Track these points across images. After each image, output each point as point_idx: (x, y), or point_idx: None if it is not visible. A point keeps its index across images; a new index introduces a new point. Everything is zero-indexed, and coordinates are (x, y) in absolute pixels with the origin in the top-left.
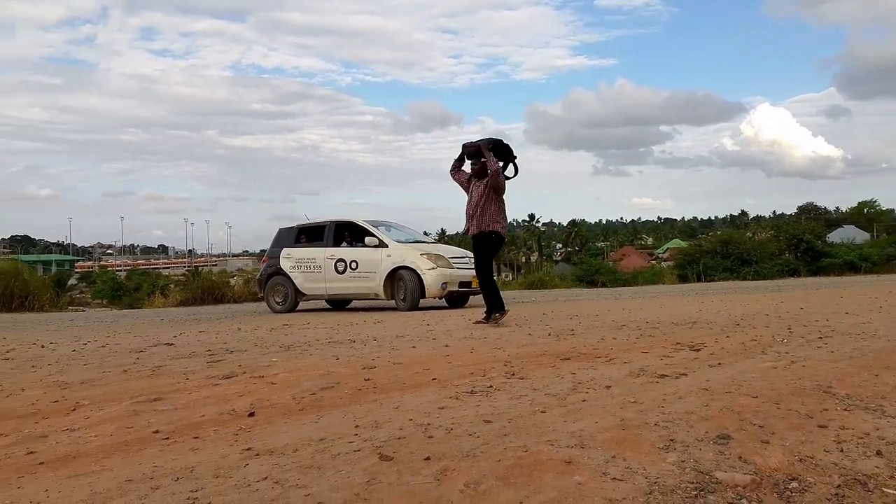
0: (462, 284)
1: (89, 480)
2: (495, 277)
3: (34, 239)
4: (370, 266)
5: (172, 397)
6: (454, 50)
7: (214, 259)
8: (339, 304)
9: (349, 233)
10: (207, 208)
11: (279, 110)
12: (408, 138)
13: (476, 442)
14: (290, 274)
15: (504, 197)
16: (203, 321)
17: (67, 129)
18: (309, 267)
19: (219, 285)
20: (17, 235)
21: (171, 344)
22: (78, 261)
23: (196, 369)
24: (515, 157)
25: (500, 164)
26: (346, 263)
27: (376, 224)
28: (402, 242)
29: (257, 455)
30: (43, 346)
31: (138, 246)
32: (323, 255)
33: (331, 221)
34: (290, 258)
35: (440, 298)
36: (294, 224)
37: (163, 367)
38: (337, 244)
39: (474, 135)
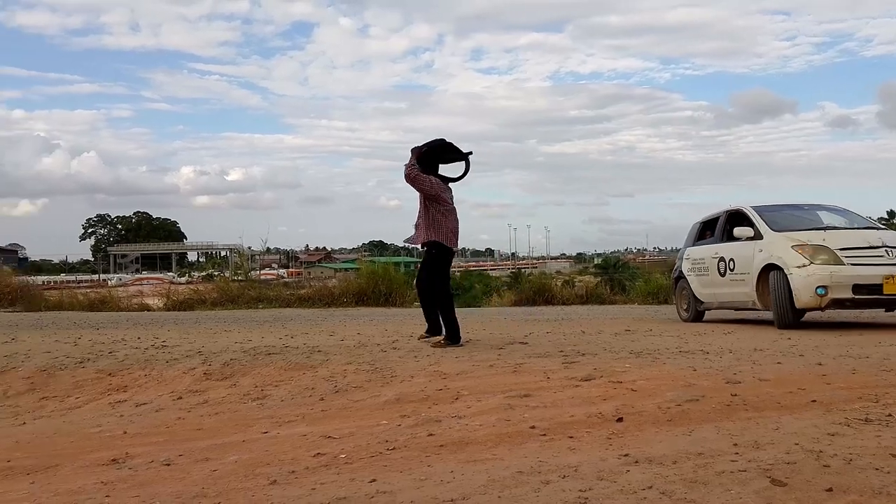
0: (859, 289)
1: (485, 467)
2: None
3: (386, 243)
4: (744, 265)
5: (539, 395)
6: (786, 32)
7: (535, 262)
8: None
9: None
10: (528, 213)
11: (595, 114)
12: (732, 131)
13: (887, 479)
14: (687, 277)
15: (452, 205)
16: (542, 321)
17: (410, 147)
18: (700, 268)
19: (548, 287)
20: (373, 240)
21: (525, 343)
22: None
23: (554, 369)
24: (469, 153)
25: (418, 166)
26: (725, 263)
27: (770, 209)
28: (784, 231)
29: (636, 462)
30: (419, 339)
31: (469, 249)
32: (710, 253)
33: (724, 212)
34: (689, 259)
35: (822, 310)
36: (700, 219)
37: (524, 365)
38: (730, 239)
39: (813, 122)
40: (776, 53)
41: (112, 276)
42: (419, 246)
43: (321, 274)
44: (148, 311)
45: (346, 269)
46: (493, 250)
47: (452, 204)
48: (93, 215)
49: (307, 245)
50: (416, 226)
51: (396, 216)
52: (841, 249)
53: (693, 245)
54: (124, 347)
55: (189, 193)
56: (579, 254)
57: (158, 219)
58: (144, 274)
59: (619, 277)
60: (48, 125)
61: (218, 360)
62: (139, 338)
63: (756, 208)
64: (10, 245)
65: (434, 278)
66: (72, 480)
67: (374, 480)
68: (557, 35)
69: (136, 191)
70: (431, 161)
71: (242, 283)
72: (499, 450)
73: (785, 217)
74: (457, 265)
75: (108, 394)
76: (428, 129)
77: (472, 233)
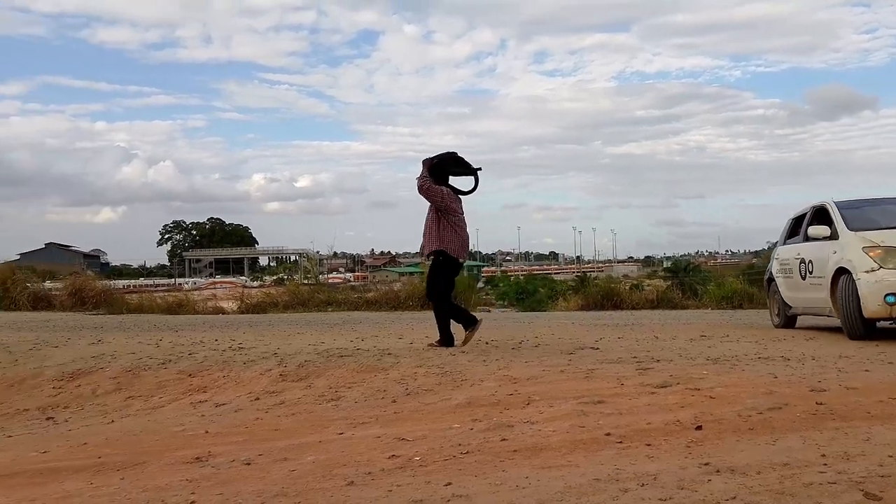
0: None
1: (560, 474)
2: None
3: None
4: (820, 268)
5: (614, 401)
6: (867, 24)
7: (601, 265)
8: None
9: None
10: (593, 216)
11: (662, 114)
12: (807, 129)
13: None
14: (776, 279)
15: (462, 216)
16: (611, 326)
17: (473, 151)
18: (787, 270)
19: (617, 291)
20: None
21: (596, 348)
22: (483, 266)
23: (628, 375)
24: (478, 169)
25: (428, 177)
26: (805, 265)
27: (855, 205)
28: (861, 230)
29: (718, 471)
30: (487, 343)
31: (532, 253)
32: (793, 254)
33: (811, 207)
34: (778, 259)
35: (893, 320)
36: (793, 214)
37: (596, 371)
38: (810, 238)
39: (893, 119)
40: (855, 47)
41: (187, 280)
42: (425, 256)
43: (386, 277)
44: (223, 313)
45: (410, 273)
46: (557, 254)
47: (462, 214)
48: (169, 222)
49: (372, 249)
50: (424, 234)
51: None
52: None
53: (783, 244)
54: (203, 349)
55: (260, 200)
56: (647, 257)
57: (231, 225)
58: (218, 278)
59: (689, 281)
60: (128, 136)
61: (293, 361)
62: (216, 340)
63: (839, 204)
64: (93, 251)
65: (437, 286)
66: (159, 477)
67: (449, 484)
68: (623, 35)
69: (210, 198)
70: (442, 172)
71: (312, 286)
72: (574, 456)
73: (873, 213)
74: (520, 269)
75: (189, 394)
76: (491, 133)
77: (536, 236)
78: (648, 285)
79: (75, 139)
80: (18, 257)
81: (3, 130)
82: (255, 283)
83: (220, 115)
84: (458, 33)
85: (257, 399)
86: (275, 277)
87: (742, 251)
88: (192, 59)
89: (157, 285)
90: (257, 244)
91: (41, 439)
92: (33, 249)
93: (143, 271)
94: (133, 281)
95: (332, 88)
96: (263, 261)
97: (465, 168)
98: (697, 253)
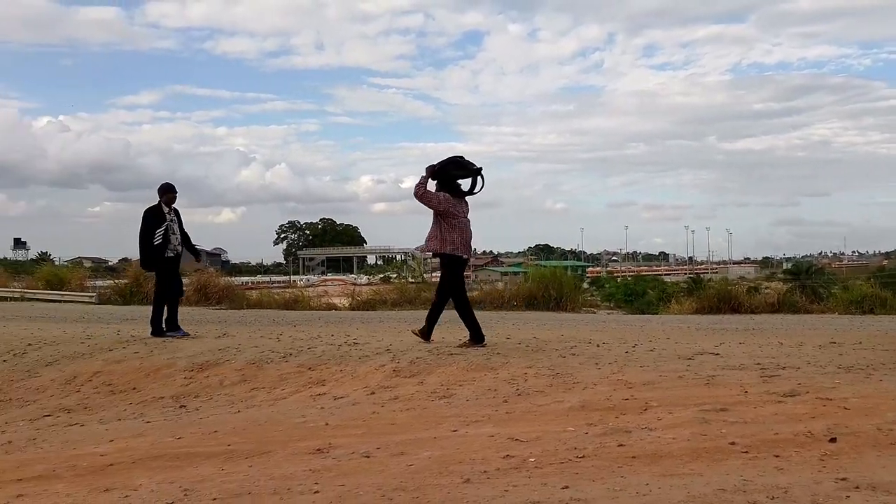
0: None
1: (683, 482)
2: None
3: (552, 247)
4: None
5: (738, 410)
6: None
7: (715, 266)
8: None
9: None
10: (706, 215)
11: (782, 107)
12: None
13: None
14: None
15: (462, 218)
16: (731, 331)
17: (578, 150)
18: None
19: (734, 294)
20: (539, 244)
21: (716, 353)
22: (588, 266)
23: (752, 383)
24: (480, 168)
25: (429, 180)
26: None
27: None
28: None
29: (857, 488)
30: (598, 346)
31: (640, 253)
32: None
33: None
34: None
35: None
36: None
37: (716, 377)
38: None
39: None
40: None
41: (301, 277)
42: (429, 254)
43: (487, 277)
44: (335, 310)
45: (513, 273)
46: (667, 254)
47: (464, 217)
48: (284, 222)
49: (475, 249)
50: (428, 237)
51: (563, 219)
52: None
53: None
54: (321, 344)
55: (367, 201)
56: (765, 258)
57: (342, 225)
58: (329, 275)
59: (812, 284)
60: (246, 140)
61: (405, 357)
62: (332, 335)
63: None
64: (214, 249)
65: (444, 284)
66: (284, 466)
67: (566, 487)
68: (739, 26)
69: (322, 199)
70: (446, 177)
71: (418, 284)
72: (696, 465)
73: None
74: (627, 270)
75: (308, 387)
76: (598, 130)
77: (645, 236)
78: (767, 288)
79: (199, 144)
80: None
81: (137, 137)
82: (364, 281)
83: (332, 120)
84: (564, 30)
85: (373, 393)
86: (382, 276)
87: (871, 252)
88: (305, 65)
89: (273, 282)
90: (366, 244)
91: (176, 426)
92: None
93: (261, 269)
94: (251, 278)
95: (438, 90)
96: (371, 259)
97: (465, 170)
98: (820, 254)
